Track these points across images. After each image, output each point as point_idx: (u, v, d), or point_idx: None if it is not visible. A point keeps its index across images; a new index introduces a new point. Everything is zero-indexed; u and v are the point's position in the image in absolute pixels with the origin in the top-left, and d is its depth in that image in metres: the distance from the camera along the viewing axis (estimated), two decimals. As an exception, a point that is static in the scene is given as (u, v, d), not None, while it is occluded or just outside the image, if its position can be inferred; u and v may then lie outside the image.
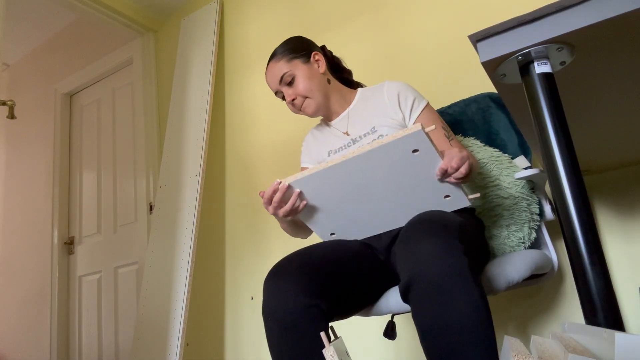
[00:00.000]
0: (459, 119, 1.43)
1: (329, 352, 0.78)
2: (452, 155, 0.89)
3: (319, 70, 1.23)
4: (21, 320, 2.84)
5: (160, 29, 2.76)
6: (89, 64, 2.92)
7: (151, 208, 2.42)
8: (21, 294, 2.88)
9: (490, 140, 1.36)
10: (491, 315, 0.80)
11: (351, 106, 1.27)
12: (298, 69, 1.20)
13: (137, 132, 2.61)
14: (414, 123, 1.15)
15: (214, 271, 2.21)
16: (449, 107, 1.48)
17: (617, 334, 0.40)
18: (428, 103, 1.18)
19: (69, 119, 3.03)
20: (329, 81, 1.25)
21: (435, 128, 1.04)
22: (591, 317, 0.59)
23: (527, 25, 0.64)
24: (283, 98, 1.24)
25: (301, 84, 1.19)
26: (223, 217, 2.24)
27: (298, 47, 1.23)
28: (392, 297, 1.07)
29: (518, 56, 0.66)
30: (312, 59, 1.23)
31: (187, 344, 2.20)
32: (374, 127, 1.18)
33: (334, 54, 1.36)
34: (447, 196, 0.95)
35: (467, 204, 0.96)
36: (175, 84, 2.43)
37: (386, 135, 1.14)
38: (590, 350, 0.47)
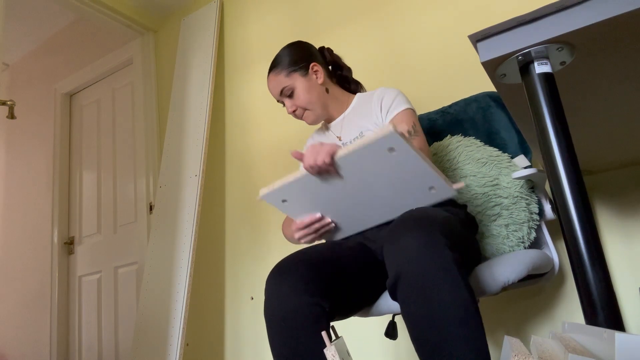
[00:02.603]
0: (460, 118, 1.43)
1: (330, 351, 0.78)
2: (308, 153, 0.93)
3: (317, 82, 1.25)
4: (21, 320, 2.84)
5: (160, 29, 2.76)
6: (89, 64, 2.92)
7: (151, 208, 2.42)
8: (21, 294, 2.88)
9: (491, 139, 1.36)
10: (479, 308, 0.79)
11: (347, 112, 1.30)
12: (297, 81, 1.23)
13: (137, 132, 2.61)
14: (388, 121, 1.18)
15: (214, 271, 2.21)
16: (450, 106, 1.48)
17: (617, 334, 0.40)
18: (408, 109, 1.18)
19: (69, 119, 3.03)
20: (327, 90, 1.27)
21: (402, 126, 1.11)
22: (591, 317, 0.59)
23: (527, 25, 0.64)
24: (285, 104, 1.28)
25: (301, 97, 1.23)
26: (223, 217, 2.24)
27: (297, 59, 1.25)
28: (390, 298, 1.07)
29: (518, 56, 0.66)
30: (310, 70, 1.25)
31: (187, 344, 2.20)
32: (361, 132, 1.22)
33: (334, 52, 1.37)
34: (431, 187, 0.95)
35: (453, 193, 0.96)
36: (175, 84, 2.43)
37: None
38: (590, 350, 0.47)
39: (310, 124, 1.29)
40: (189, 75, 2.38)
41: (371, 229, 1.16)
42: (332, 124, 1.32)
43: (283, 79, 1.24)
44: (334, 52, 1.38)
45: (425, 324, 0.78)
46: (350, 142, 1.23)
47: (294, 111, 1.25)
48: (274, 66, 1.26)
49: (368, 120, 1.23)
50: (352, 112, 1.29)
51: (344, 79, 1.37)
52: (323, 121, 1.36)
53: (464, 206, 1.18)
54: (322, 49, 1.35)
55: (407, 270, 0.81)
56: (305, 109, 1.25)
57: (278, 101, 1.28)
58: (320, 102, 1.25)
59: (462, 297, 0.78)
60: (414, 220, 0.86)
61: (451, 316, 0.76)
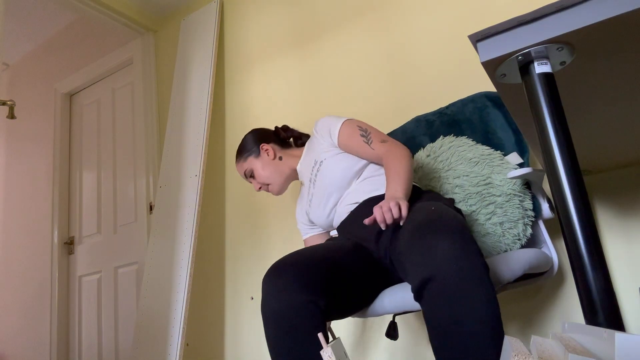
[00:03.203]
0: (457, 119, 1.43)
1: (326, 353, 0.78)
2: (383, 209, 0.97)
3: (269, 158, 1.46)
4: (21, 320, 2.84)
5: (160, 29, 2.76)
6: (89, 64, 2.92)
7: (151, 208, 2.42)
8: (21, 293, 2.88)
9: (487, 139, 1.36)
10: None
11: (301, 159, 1.46)
12: (253, 163, 1.46)
13: (137, 132, 2.61)
14: (337, 141, 1.31)
15: (214, 271, 2.21)
16: (447, 107, 1.48)
17: (617, 334, 0.40)
18: (345, 121, 1.32)
19: (69, 119, 3.03)
20: (280, 158, 1.47)
21: (353, 136, 1.26)
22: (591, 317, 0.59)
23: (527, 25, 0.64)
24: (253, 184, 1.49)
25: (261, 175, 1.45)
26: (223, 217, 2.24)
27: (249, 146, 1.48)
28: (387, 298, 1.07)
29: (518, 56, 0.66)
30: (261, 150, 1.46)
31: (187, 344, 2.20)
32: (315, 160, 1.35)
33: (288, 127, 1.57)
34: None
35: None
36: (175, 84, 2.43)
37: (325, 159, 1.31)
38: (590, 350, 0.47)
39: (277, 194, 1.48)
40: (189, 75, 2.38)
41: (361, 229, 1.16)
42: (299, 175, 1.46)
43: (243, 164, 1.47)
44: (289, 126, 1.58)
45: (453, 328, 0.78)
46: (312, 175, 1.34)
47: (260, 188, 1.47)
48: (236, 156, 1.50)
49: (317, 151, 1.35)
50: (304, 155, 1.44)
51: (304, 144, 1.54)
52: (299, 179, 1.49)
53: (452, 200, 1.19)
54: (276, 128, 1.55)
55: (441, 273, 0.80)
56: (267, 184, 1.45)
57: (251, 182, 1.50)
58: (276, 172, 1.44)
59: (492, 307, 0.78)
60: (444, 222, 0.85)
61: (481, 324, 0.76)
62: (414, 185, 1.24)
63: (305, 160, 1.41)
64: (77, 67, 2.98)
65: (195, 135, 2.18)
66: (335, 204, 1.28)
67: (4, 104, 1.90)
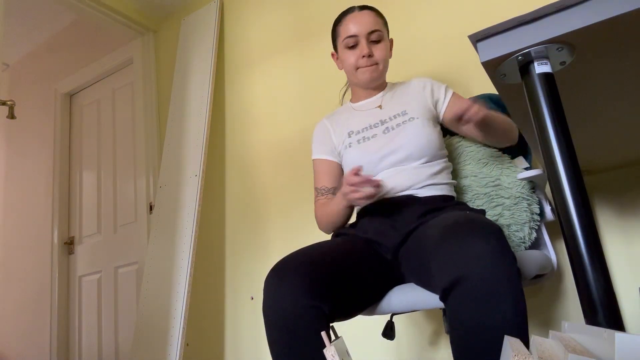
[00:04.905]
0: (459, 119, 1.43)
1: (329, 351, 0.78)
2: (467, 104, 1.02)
3: (390, 51, 1.33)
4: (21, 320, 2.84)
5: (160, 29, 2.76)
6: (89, 64, 2.92)
7: (151, 208, 2.42)
8: (21, 293, 2.88)
9: (490, 140, 1.36)
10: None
11: (384, 91, 1.35)
12: (384, 37, 1.30)
13: (137, 132, 2.61)
14: (446, 104, 1.28)
15: (214, 271, 2.21)
16: (449, 107, 1.48)
17: (617, 334, 0.40)
18: (453, 92, 1.31)
19: (69, 119, 3.03)
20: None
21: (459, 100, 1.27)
22: (591, 317, 0.59)
23: (527, 25, 0.64)
24: (351, 47, 1.28)
25: (383, 51, 1.28)
26: (223, 217, 2.24)
27: (386, 24, 1.34)
28: (395, 297, 1.07)
29: (518, 56, 0.66)
30: (390, 42, 1.35)
31: (187, 344, 2.20)
32: (404, 111, 1.26)
33: None
34: None
35: None
36: (175, 84, 2.43)
37: (417, 118, 1.22)
38: (590, 350, 0.47)
39: (368, 79, 1.28)
40: (189, 75, 2.38)
41: (387, 224, 1.14)
42: (364, 102, 1.35)
43: (378, 22, 1.28)
44: None
45: (481, 329, 0.76)
46: (391, 118, 1.26)
47: (370, 56, 1.26)
48: (372, 8, 1.31)
49: (413, 102, 1.27)
50: (391, 92, 1.34)
51: None
52: (343, 104, 1.42)
53: (483, 211, 1.15)
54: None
55: (475, 274, 0.78)
56: (378, 63, 1.28)
57: (353, 36, 1.27)
58: (386, 67, 1.31)
59: (522, 313, 0.77)
60: (481, 225, 0.84)
61: (510, 328, 0.75)
62: (450, 196, 1.20)
63: (391, 96, 1.32)
64: (77, 67, 2.98)
65: (195, 135, 2.18)
66: (391, 166, 1.20)
67: (4, 104, 1.90)
